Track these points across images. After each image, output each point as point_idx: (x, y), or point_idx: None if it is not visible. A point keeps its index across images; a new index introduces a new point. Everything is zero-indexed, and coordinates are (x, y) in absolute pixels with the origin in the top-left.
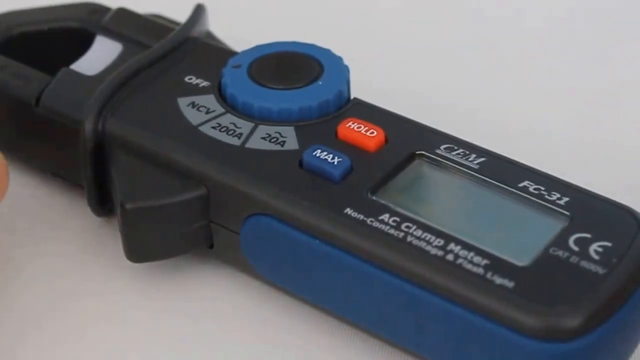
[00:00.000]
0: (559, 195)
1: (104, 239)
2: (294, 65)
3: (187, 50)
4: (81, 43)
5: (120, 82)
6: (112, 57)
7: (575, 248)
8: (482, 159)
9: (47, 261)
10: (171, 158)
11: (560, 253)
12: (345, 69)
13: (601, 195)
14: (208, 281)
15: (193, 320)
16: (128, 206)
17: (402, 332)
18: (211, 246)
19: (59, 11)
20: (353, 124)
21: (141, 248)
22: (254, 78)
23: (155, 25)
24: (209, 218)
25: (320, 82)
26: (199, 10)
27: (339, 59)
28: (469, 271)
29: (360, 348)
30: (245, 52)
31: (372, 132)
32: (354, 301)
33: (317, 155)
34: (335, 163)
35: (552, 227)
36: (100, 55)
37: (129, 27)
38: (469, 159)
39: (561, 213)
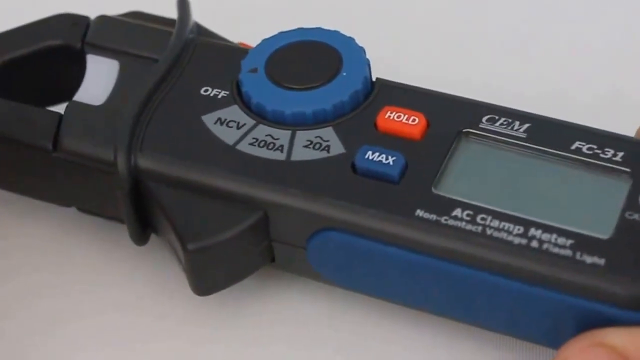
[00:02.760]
0: (613, 152)
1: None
2: (311, 58)
3: (190, 56)
4: (67, 62)
5: (139, 112)
6: (113, 77)
7: None
8: (527, 125)
9: (104, 296)
10: (220, 187)
11: (636, 216)
12: (362, 51)
13: None
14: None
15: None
16: (191, 247)
17: (496, 321)
18: (273, 260)
19: (37, 30)
20: (392, 113)
21: (207, 282)
22: (275, 80)
23: (145, 31)
24: (270, 238)
25: (344, 73)
26: (183, 6)
27: (351, 40)
28: (558, 255)
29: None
30: (255, 51)
31: (414, 120)
32: (440, 298)
33: (370, 158)
34: (391, 163)
35: (619, 189)
36: (99, 79)
37: (118, 39)
38: (514, 128)
39: (622, 171)
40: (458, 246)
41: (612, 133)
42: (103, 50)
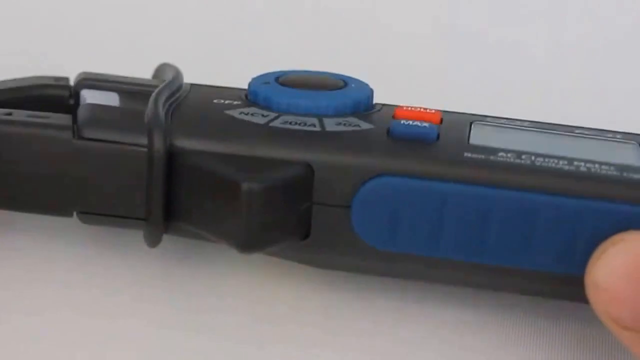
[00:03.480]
0: (612, 134)
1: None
2: (319, 79)
3: (191, 89)
4: (58, 107)
5: (166, 99)
6: (115, 101)
7: None
8: (527, 122)
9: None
10: (262, 155)
11: None
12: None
13: None
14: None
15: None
16: (247, 186)
17: (548, 254)
18: (306, 236)
19: (20, 84)
20: (407, 108)
21: (257, 233)
22: (291, 86)
23: (133, 78)
24: (312, 199)
25: (352, 85)
26: (169, 65)
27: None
28: (607, 175)
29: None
30: (263, 75)
31: (431, 110)
32: (494, 238)
33: (405, 123)
34: (427, 126)
35: (633, 149)
36: (103, 99)
37: (110, 80)
38: (517, 123)
39: (629, 142)
40: (513, 174)
41: (605, 129)
42: (97, 86)
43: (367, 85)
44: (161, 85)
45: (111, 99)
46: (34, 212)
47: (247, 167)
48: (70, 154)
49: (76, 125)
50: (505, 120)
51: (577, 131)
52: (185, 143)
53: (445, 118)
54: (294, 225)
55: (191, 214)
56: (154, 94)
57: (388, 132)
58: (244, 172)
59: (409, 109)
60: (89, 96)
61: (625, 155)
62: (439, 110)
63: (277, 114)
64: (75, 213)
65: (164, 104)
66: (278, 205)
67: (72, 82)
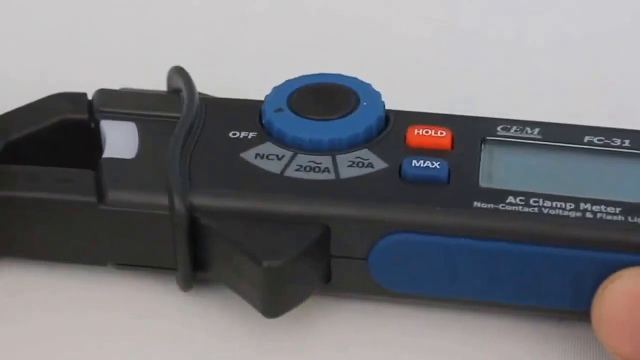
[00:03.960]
0: (620, 140)
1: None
2: (330, 95)
3: (206, 110)
4: (77, 133)
5: (181, 155)
6: (134, 136)
7: None
8: (538, 129)
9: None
10: (277, 210)
11: None
12: (372, 88)
13: None
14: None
15: None
16: (266, 264)
17: (557, 295)
18: (328, 280)
19: (41, 108)
20: (419, 130)
21: (278, 302)
22: (303, 115)
23: (150, 96)
24: (330, 254)
25: (364, 103)
26: (182, 72)
27: (367, 84)
28: (612, 221)
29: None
30: (272, 96)
31: (441, 133)
32: (506, 283)
33: (416, 165)
34: (437, 167)
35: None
36: (121, 138)
37: (127, 104)
38: (528, 132)
39: (634, 153)
40: (521, 226)
41: (613, 128)
42: (115, 115)
43: (378, 96)
44: (177, 127)
45: (129, 129)
46: (72, 263)
47: (267, 239)
48: (97, 217)
49: (100, 188)
50: (515, 128)
51: (586, 138)
52: (205, 201)
53: (457, 135)
54: (315, 280)
55: (218, 270)
56: (171, 144)
57: (400, 173)
58: (263, 246)
59: (420, 133)
60: (108, 127)
61: (635, 181)
62: (449, 131)
63: (292, 154)
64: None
65: (182, 154)
66: (298, 273)
67: (89, 97)
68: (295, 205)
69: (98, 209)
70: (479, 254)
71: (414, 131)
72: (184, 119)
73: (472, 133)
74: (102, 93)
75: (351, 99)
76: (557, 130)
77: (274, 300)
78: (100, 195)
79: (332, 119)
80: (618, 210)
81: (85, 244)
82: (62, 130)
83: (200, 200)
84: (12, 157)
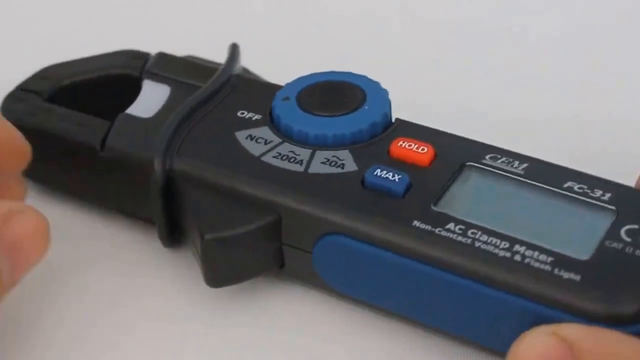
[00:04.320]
0: (601, 192)
1: (176, 268)
2: (338, 93)
3: (232, 87)
4: (127, 88)
5: (180, 122)
6: (163, 99)
7: (628, 239)
8: (526, 165)
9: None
10: (242, 189)
11: (615, 245)
12: (385, 92)
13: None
14: (278, 299)
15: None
16: (208, 237)
17: (477, 330)
18: (282, 266)
19: (102, 60)
20: (404, 142)
21: (219, 274)
22: (304, 107)
23: (196, 66)
24: (281, 241)
25: (366, 107)
26: (234, 49)
27: (377, 83)
28: (538, 269)
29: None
30: (289, 85)
31: (423, 149)
32: (428, 305)
33: (378, 174)
34: (397, 180)
35: (602, 221)
36: (151, 99)
37: (172, 70)
38: (514, 166)
39: (608, 208)
40: (448, 255)
41: (603, 178)
42: (158, 77)
43: (384, 101)
44: (191, 96)
45: (162, 92)
46: (80, 200)
47: (219, 213)
48: (97, 162)
49: (104, 138)
50: (503, 160)
51: (568, 184)
52: (183, 167)
53: (440, 155)
54: (265, 261)
55: (186, 234)
56: (176, 110)
57: (363, 181)
58: (212, 219)
59: (404, 146)
60: (146, 87)
61: (586, 236)
62: (432, 149)
63: (279, 142)
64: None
65: (182, 121)
66: (238, 251)
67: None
68: (254, 188)
69: (98, 155)
70: (406, 273)
71: (398, 143)
72: (202, 90)
73: (457, 156)
74: (160, 56)
75: (357, 99)
76: (543, 170)
77: (211, 271)
78: (103, 144)
79: (328, 116)
80: (549, 259)
81: (88, 184)
82: (113, 83)
83: (180, 165)
84: (63, 99)
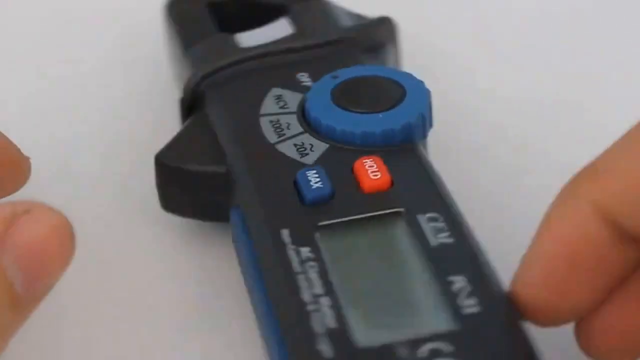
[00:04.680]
0: (472, 303)
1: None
2: (376, 89)
3: (341, 52)
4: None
5: (228, 63)
6: (276, 37)
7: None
8: (451, 240)
9: None
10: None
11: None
12: (427, 93)
13: None
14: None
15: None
16: (157, 156)
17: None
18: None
19: None
20: (371, 161)
21: (167, 199)
22: (335, 102)
23: (339, 13)
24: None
25: (401, 105)
26: (382, 20)
27: (420, 83)
28: (311, 330)
29: None
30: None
31: (376, 175)
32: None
33: (307, 174)
34: (313, 187)
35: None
36: (268, 33)
37: (313, 17)
38: (440, 235)
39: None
40: (268, 269)
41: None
42: (294, 17)
43: (424, 95)
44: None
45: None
46: None
47: (191, 146)
48: None
49: None
50: (435, 227)
51: (451, 277)
52: (207, 95)
53: (393, 190)
54: (210, 209)
55: None
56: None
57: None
58: (181, 146)
59: (367, 163)
60: (280, 21)
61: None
62: (388, 177)
63: (292, 135)
64: None
65: (241, 60)
66: (186, 186)
67: None
68: (224, 139)
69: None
70: (246, 263)
71: (366, 160)
72: (290, 43)
73: (406, 199)
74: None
75: (396, 95)
76: (454, 251)
77: (162, 193)
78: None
79: (355, 112)
80: (332, 325)
81: None
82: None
83: (207, 93)
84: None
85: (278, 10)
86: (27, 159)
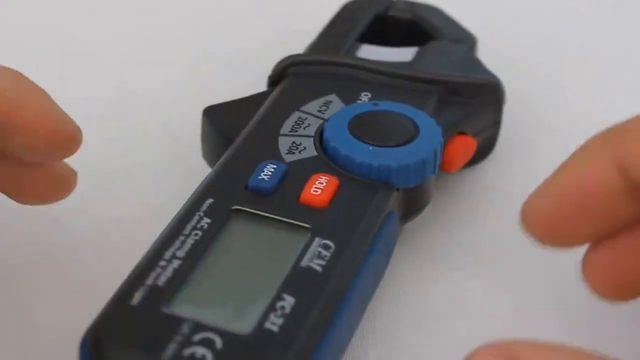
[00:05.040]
0: (278, 322)
1: None
2: (390, 124)
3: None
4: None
5: (331, 60)
6: (391, 59)
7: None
8: (319, 269)
9: None
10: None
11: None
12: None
13: None
14: None
15: None
16: (205, 110)
17: None
18: None
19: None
20: (325, 179)
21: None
22: (352, 133)
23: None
24: None
25: (415, 142)
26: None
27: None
28: (143, 277)
29: None
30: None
31: (317, 191)
32: None
33: (266, 166)
34: (259, 177)
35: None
36: (390, 53)
37: (439, 54)
38: (315, 260)
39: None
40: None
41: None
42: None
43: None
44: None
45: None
46: None
47: (229, 108)
48: None
49: None
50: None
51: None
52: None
53: (330, 207)
54: None
55: None
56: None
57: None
58: (221, 106)
59: (320, 178)
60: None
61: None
62: (326, 199)
63: (300, 134)
64: None
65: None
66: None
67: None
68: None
69: None
70: None
71: (320, 177)
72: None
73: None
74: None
75: (410, 134)
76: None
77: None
78: None
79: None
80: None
81: None
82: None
83: (286, 78)
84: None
85: (430, 37)
86: (78, 129)
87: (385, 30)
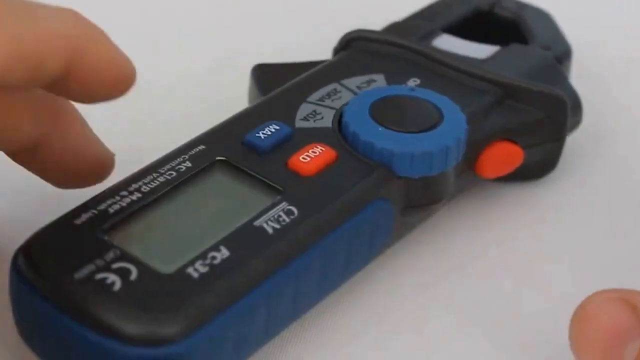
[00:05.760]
0: (199, 269)
1: None
2: (412, 109)
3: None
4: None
5: (399, 43)
6: (467, 53)
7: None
8: (271, 231)
9: None
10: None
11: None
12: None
13: None
14: None
15: None
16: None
17: None
18: None
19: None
20: (320, 149)
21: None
22: (372, 116)
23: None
24: None
25: (439, 128)
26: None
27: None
28: (93, 203)
29: None
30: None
31: (306, 159)
32: None
33: (268, 125)
34: (256, 135)
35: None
36: (468, 47)
37: (517, 57)
38: (270, 223)
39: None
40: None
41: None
42: None
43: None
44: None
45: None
46: None
47: (283, 68)
48: None
49: None
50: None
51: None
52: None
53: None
54: None
55: None
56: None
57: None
58: (275, 64)
59: (315, 148)
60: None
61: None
62: (312, 169)
63: (323, 104)
64: None
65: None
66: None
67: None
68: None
69: None
70: None
71: (313, 148)
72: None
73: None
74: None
75: (434, 119)
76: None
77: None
78: None
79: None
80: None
81: None
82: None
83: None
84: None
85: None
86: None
87: (486, 28)
